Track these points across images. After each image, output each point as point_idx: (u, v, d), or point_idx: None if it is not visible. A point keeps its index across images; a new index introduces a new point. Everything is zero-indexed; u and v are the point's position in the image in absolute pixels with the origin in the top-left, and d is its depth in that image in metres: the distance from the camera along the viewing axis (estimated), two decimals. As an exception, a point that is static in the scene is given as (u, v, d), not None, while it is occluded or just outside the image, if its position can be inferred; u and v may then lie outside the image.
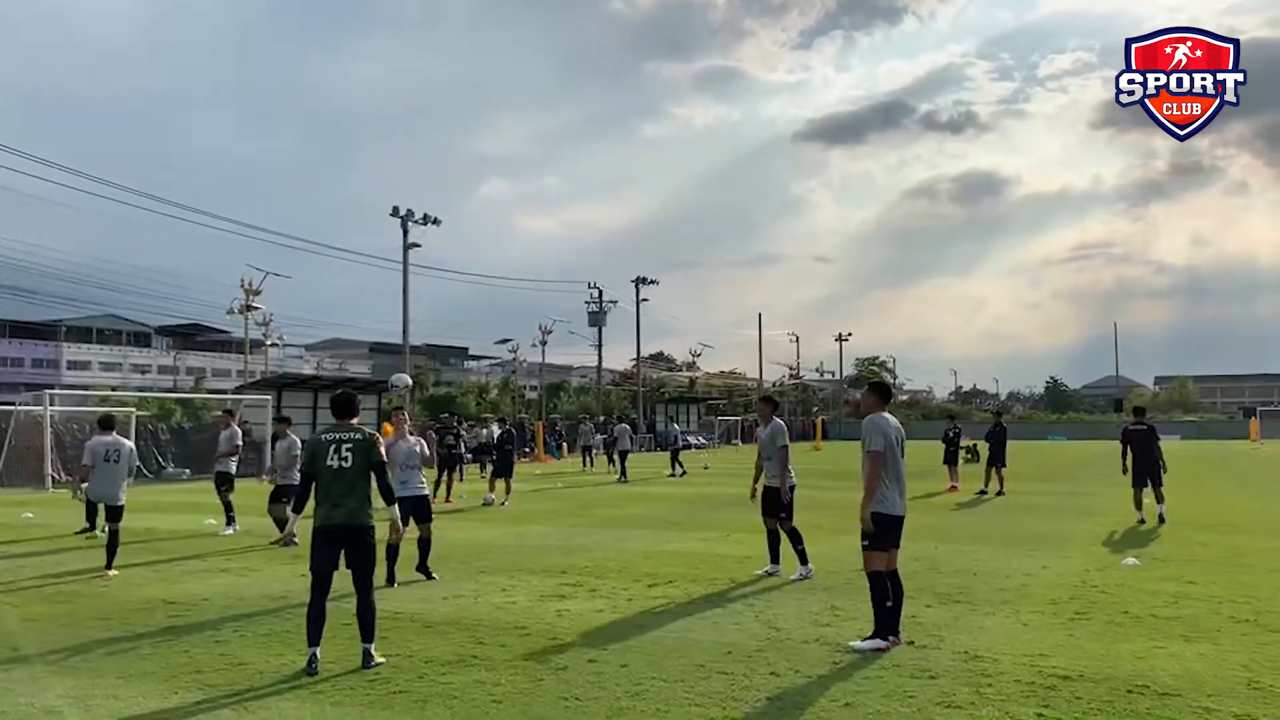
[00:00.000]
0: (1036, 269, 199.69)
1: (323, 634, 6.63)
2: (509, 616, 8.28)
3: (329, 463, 6.69)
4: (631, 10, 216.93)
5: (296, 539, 13.39)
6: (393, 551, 9.47)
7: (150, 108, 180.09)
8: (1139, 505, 15.43)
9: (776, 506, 10.09)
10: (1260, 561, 11.16)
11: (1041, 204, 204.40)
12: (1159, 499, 15.34)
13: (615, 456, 28.76)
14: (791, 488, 10.16)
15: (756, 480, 10.60)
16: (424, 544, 10.58)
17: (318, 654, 6.55)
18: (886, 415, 7.44)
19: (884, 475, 7.20)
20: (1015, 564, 11.00)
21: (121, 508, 11.38)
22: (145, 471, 28.16)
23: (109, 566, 10.99)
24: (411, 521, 10.09)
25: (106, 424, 11.98)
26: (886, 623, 7.10)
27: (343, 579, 6.71)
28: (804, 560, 10.09)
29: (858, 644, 7.06)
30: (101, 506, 11.77)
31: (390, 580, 9.67)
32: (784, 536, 10.19)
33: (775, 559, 10.34)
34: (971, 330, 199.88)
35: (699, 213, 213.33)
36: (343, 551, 6.69)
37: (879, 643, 6.99)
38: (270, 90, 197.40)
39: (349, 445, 6.72)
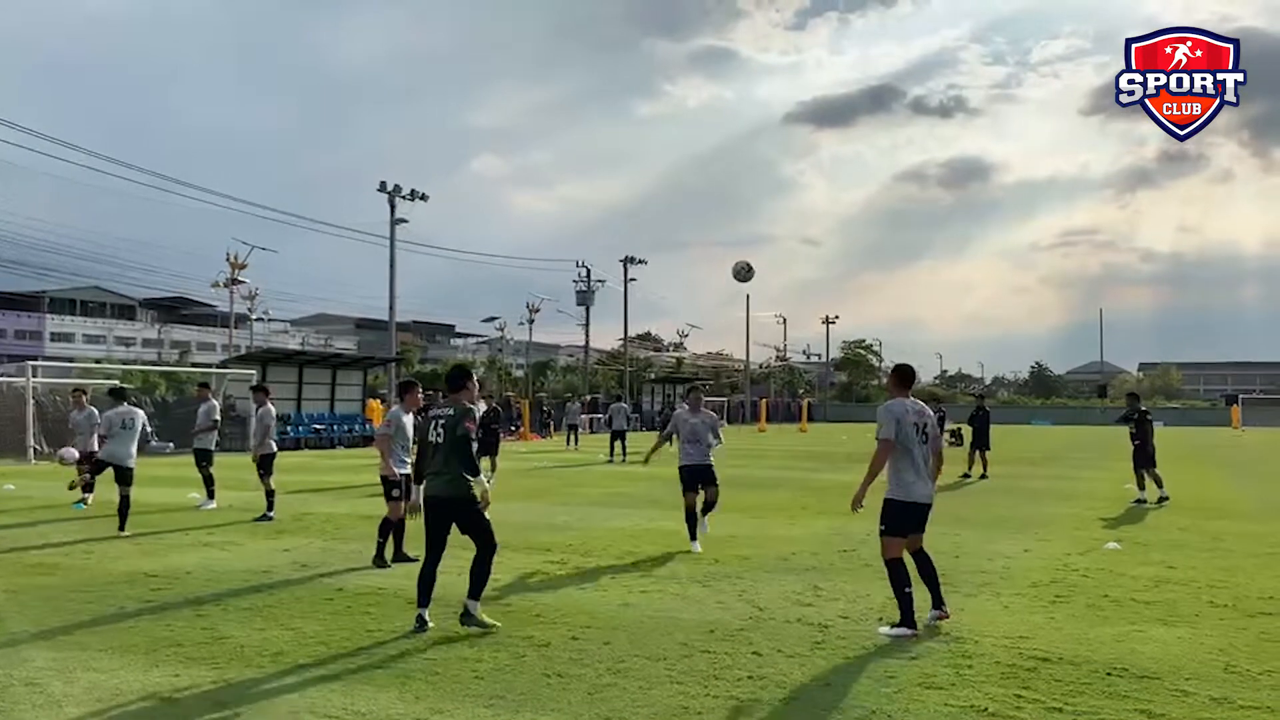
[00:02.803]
0: (1023, 254, 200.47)
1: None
2: (492, 593, 8.27)
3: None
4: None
5: (273, 514, 13.36)
6: (396, 527, 9.70)
7: (137, 79, 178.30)
8: (1142, 485, 16.23)
9: (710, 477, 10.89)
10: (1240, 546, 11.26)
11: (1030, 189, 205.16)
12: (1137, 482, 16.29)
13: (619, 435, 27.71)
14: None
15: (655, 451, 11.65)
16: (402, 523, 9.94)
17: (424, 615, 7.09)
18: (906, 400, 7.22)
19: (899, 462, 7.02)
20: (997, 547, 11.07)
21: (131, 471, 12.22)
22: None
23: (122, 528, 11.81)
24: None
25: (118, 395, 13.01)
26: (911, 608, 6.92)
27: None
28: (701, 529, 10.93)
29: (885, 630, 6.95)
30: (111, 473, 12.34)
31: (396, 558, 9.70)
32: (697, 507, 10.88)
33: (694, 536, 10.82)
34: (958, 314, 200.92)
35: (689, 192, 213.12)
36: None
37: (905, 630, 6.83)
38: (258, 62, 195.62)
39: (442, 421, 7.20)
